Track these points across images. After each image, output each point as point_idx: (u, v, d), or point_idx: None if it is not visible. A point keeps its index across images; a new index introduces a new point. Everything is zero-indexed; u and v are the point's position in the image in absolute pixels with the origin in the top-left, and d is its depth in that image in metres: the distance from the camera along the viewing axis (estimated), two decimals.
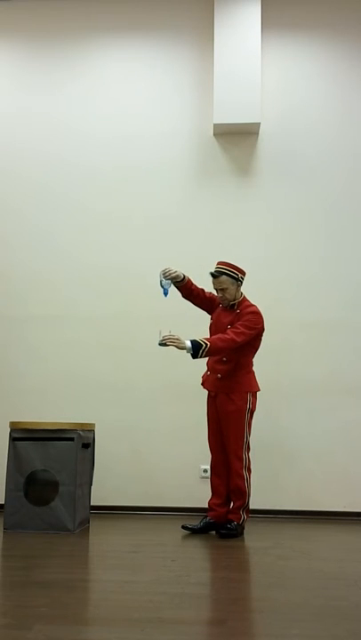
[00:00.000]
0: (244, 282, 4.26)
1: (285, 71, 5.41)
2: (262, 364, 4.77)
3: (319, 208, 5.25)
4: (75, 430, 4.11)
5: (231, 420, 4.03)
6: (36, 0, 5.60)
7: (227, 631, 2.04)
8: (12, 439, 4.13)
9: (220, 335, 3.99)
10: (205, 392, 4.26)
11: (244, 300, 4.20)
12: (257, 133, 5.32)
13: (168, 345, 3.89)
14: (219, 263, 4.20)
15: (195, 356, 3.91)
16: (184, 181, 5.34)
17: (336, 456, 4.95)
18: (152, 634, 2.00)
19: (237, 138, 5.34)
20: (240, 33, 5.24)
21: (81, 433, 4.15)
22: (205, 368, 4.28)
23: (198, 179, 5.34)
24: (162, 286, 4.09)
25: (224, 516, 4.07)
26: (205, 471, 4.84)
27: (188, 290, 4.20)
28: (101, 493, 4.82)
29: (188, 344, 3.88)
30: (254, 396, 4.13)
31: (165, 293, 4.10)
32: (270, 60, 5.41)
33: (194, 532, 4.08)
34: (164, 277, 4.07)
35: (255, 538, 3.93)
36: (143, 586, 2.63)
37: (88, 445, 4.32)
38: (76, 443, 4.08)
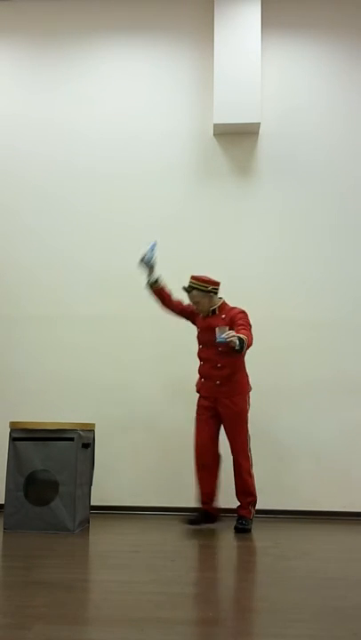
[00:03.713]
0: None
1: (286, 71, 5.41)
2: (263, 363, 4.79)
3: (319, 208, 5.25)
4: (75, 430, 4.11)
5: (237, 422, 4.18)
6: (36, 0, 5.60)
7: (227, 631, 2.04)
8: (12, 439, 4.13)
9: (241, 330, 4.01)
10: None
11: (224, 304, 4.29)
12: (257, 133, 5.32)
13: (227, 340, 3.86)
14: (191, 277, 4.29)
15: (240, 350, 3.91)
16: (184, 181, 5.34)
17: (336, 456, 4.95)
18: (152, 634, 1.99)
19: (237, 138, 5.34)
20: (240, 33, 5.24)
21: (81, 433, 4.15)
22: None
23: (198, 179, 5.34)
24: (147, 259, 4.28)
25: (216, 508, 4.25)
26: None
27: (159, 292, 4.34)
28: (101, 493, 4.82)
29: (237, 340, 3.89)
30: (249, 395, 4.29)
31: (152, 253, 4.29)
32: (270, 60, 5.41)
33: (192, 523, 4.22)
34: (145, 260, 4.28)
35: (255, 538, 3.93)
36: (143, 586, 2.63)
37: (88, 445, 4.31)
38: (76, 443, 4.08)
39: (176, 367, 4.96)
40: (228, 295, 4.87)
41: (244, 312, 4.21)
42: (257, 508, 4.46)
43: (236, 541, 3.79)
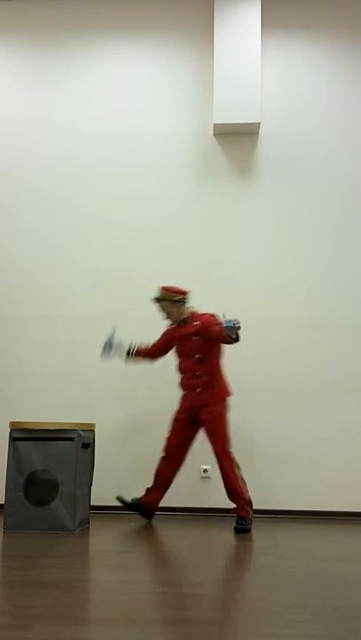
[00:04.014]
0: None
1: (285, 71, 5.42)
2: (263, 364, 4.78)
3: (319, 208, 5.25)
4: (75, 430, 4.11)
5: (216, 425, 4.28)
6: (36, 0, 5.60)
7: (227, 631, 2.04)
8: (12, 439, 4.13)
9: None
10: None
11: (194, 313, 4.41)
12: (257, 133, 5.32)
13: (235, 326, 3.93)
14: (160, 288, 4.41)
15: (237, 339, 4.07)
16: (184, 181, 5.34)
17: (336, 456, 4.95)
18: (152, 634, 1.99)
19: (237, 138, 5.34)
20: (240, 33, 5.24)
21: (81, 433, 4.15)
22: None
23: (198, 179, 5.34)
24: (108, 347, 4.53)
25: (155, 505, 4.43)
26: (205, 471, 4.85)
27: (139, 354, 4.58)
28: (101, 493, 4.82)
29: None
30: (227, 400, 4.38)
31: (111, 343, 4.53)
32: (270, 60, 5.41)
33: (125, 504, 4.47)
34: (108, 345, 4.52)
35: (255, 538, 3.93)
36: (143, 586, 2.63)
37: (88, 445, 4.31)
38: (76, 443, 4.08)
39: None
40: (228, 295, 4.89)
41: (214, 315, 4.31)
42: (258, 507, 4.47)
43: (236, 541, 3.79)
